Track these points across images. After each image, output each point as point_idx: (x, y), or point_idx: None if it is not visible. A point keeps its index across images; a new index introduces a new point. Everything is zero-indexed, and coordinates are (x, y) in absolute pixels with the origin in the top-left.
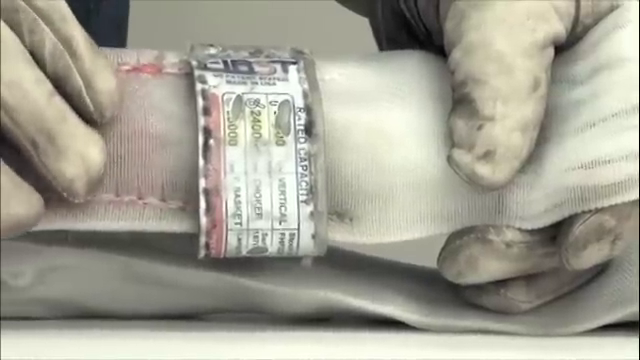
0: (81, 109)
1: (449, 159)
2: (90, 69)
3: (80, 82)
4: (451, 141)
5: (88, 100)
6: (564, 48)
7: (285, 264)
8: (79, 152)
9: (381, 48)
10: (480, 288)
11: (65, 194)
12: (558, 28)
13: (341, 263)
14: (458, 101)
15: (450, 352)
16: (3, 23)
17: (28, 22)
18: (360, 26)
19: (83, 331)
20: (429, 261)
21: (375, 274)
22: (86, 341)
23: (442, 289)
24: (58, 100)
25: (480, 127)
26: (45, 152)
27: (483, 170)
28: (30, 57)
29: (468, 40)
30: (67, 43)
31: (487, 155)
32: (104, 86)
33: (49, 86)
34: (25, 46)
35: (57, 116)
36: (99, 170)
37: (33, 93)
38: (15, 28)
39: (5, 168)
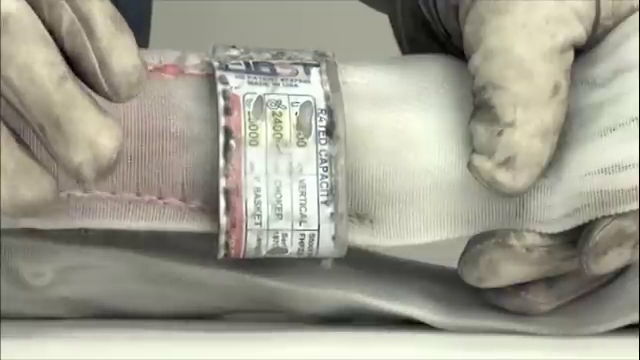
0: (97, 89)
1: (469, 165)
2: (106, 48)
3: (94, 61)
4: (472, 146)
5: (103, 80)
6: (584, 49)
7: (305, 264)
8: (87, 138)
9: (401, 48)
10: (500, 290)
11: (75, 180)
12: (578, 31)
13: (360, 263)
14: (478, 106)
15: (470, 352)
16: (22, 1)
17: None
18: (382, 27)
19: (100, 330)
20: (448, 262)
21: (395, 274)
22: (103, 341)
23: (462, 289)
24: (69, 84)
25: (500, 133)
26: (53, 138)
27: (503, 177)
28: (47, 35)
29: (487, 45)
30: (85, 20)
31: (507, 162)
32: (120, 66)
33: (61, 69)
34: (43, 22)
35: (65, 101)
36: (110, 157)
37: (42, 77)
38: (34, 3)
39: (16, 151)
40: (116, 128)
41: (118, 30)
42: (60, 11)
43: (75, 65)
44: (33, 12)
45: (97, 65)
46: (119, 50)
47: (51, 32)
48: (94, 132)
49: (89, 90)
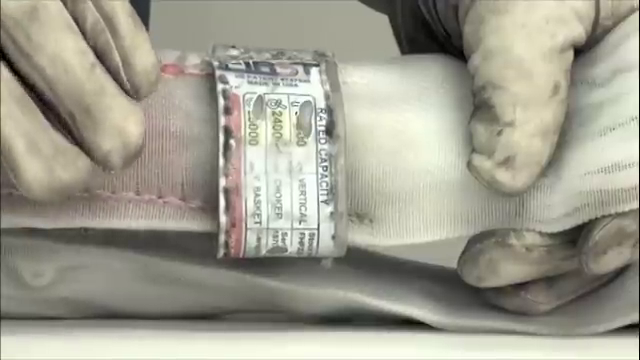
0: (118, 86)
1: (469, 165)
2: (130, 47)
3: (118, 60)
4: (471, 146)
5: (125, 79)
6: (584, 49)
7: (305, 264)
8: (116, 125)
9: (401, 48)
10: (500, 290)
11: (101, 167)
12: (578, 31)
13: (360, 263)
14: (478, 106)
15: (470, 352)
16: None
17: None
18: (382, 27)
19: (100, 330)
20: (448, 262)
21: (394, 274)
22: (104, 341)
23: (461, 289)
24: (99, 72)
25: (500, 133)
26: (83, 124)
27: (503, 176)
28: (74, 25)
29: (487, 45)
30: (108, 19)
31: (507, 161)
32: (141, 65)
33: (91, 57)
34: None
35: (96, 89)
36: (137, 143)
37: (74, 66)
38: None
39: (51, 132)
40: (141, 114)
41: (138, 28)
42: (84, 8)
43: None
44: (60, 2)
45: (120, 63)
46: (141, 49)
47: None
48: (122, 119)
49: None
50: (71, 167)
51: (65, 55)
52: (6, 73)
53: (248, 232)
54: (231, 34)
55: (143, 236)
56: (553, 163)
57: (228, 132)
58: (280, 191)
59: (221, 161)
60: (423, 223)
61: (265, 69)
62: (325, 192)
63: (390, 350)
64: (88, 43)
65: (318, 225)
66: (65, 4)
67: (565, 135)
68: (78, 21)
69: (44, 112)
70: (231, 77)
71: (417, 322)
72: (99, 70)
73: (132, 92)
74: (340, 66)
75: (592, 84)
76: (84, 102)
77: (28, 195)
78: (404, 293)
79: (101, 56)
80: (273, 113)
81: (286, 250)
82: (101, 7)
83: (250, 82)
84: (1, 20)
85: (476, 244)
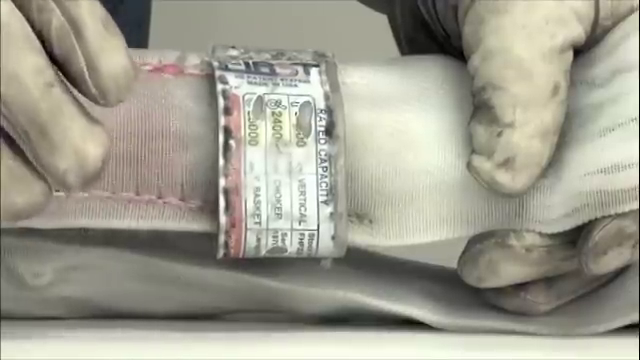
0: (86, 93)
1: (469, 166)
2: (95, 51)
3: (82, 64)
4: (471, 147)
5: (90, 83)
6: (583, 49)
7: (305, 264)
8: (73, 146)
9: (400, 48)
10: (500, 290)
11: (59, 187)
12: (577, 31)
13: (360, 263)
14: (478, 107)
15: (470, 352)
16: (9, 4)
17: (37, 0)
18: (382, 27)
19: (100, 330)
20: (448, 262)
21: (394, 274)
22: (104, 341)
23: (461, 289)
24: (56, 91)
25: (500, 134)
26: (38, 144)
27: (503, 178)
28: (36, 41)
29: (487, 46)
30: (73, 23)
31: (507, 162)
32: (109, 69)
33: (48, 76)
34: (33, 25)
35: (52, 109)
36: (95, 164)
37: (29, 85)
38: (24, 5)
39: (7, 159)
40: (102, 135)
41: (108, 32)
42: (50, 15)
43: (64, 69)
44: (22, 16)
45: (85, 68)
46: (108, 52)
47: (40, 35)
48: (80, 139)
49: (78, 95)
50: (26, 192)
51: (21, 74)
52: None
53: (248, 232)
54: (231, 34)
55: (143, 236)
56: (553, 164)
57: (228, 132)
58: (280, 191)
59: (221, 161)
60: (423, 224)
61: (265, 69)
62: (325, 192)
63: (390, 350)
64: (54, 51)
65: (318, 225)
66: (30, 11)
67: (565, 136)
68: (43, 27)
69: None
70: (231, 77)
71: (417, 322)
72: (57, 90)
73: (99, 98)
74: (340, 66)
75: (592, 84)
76: (38, 121)
77: None
78: (404, 293)
79: (66, 61)
80: (273, 113)
81: (286, 250)
82: (67, 11)
83: (250, 82)
84: None
85: (476, 245)
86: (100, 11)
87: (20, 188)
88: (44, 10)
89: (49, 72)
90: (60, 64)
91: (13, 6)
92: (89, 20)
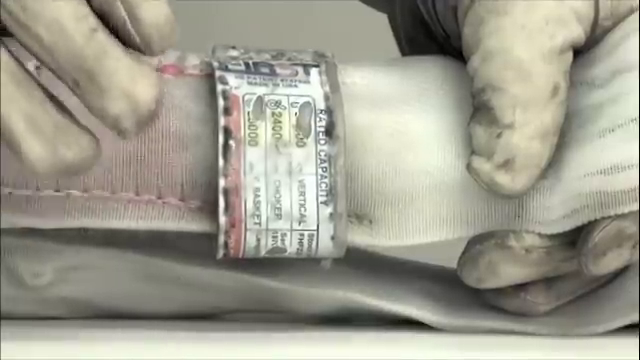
0: (130, 43)
1: (468, 167)
2: (135, 0)
3: (124, 14)
4: (471, 147)
5: (133, 32)
6: (583, 50)
7: (304, 264)
8: (123, 88)
9: (400, 48)
10: (499, 291)
11: (115, 132)
12: (577, 32)
13: (360, 263)
14: (477, 108)
15: (470, 352)
16: None
17: None
18: (382, 27)
19: (100, 330)
20: (448, 262)
21: (394, 274)
22: (104, 341)
23: (461, 290)
24: (100, 35)
25: (499, 135)
26: (88, 91)
27: (502, 179)
28: None
29: (486, 46)
30: None
31: (506, 164)
32: (151, 18)
33: (91, 21)
34: None
35: (98, 52)
36: (149, 106)
37: (71, 31)
38: None
39: (51, 110)
40: (152, 75)
41: None
42: None
43: (104, 20)
44: None
45: (127, 17)
46: (149, 1)
47: None
48: (130, 82)
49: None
50: (74, 146)
51: (62, 21)
52: (5, 55)
53: (247, 233)
54: (231, 34)
55: (143, 236)
56: (553, 165)
57: (228, 133)
58: (279, 192)
59: (221, 162)
60: (422, 224)
61: (265, 70)
62: (324, 193)
63: (390, 350)
64: (93, 4)
65: (317, 226)
66: None
67: (564, 136)
68: None
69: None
70: (231, 78)
71: (417, 322)
72: (101, 34)
73: (143, 47)
74: (340, 67)
75: (591, 85)
76: (85, 66)
77: (34, 176)
78: (404, 293)
79: (106, 14)
80: (273, 114)
81: (285, 251)
82: None
83: (250, 83)
84: None
85: (476, 245)
86: None
87: (68, 141)
88: None
89: (91, 18)
90: (100, 16)
91: None
92: None
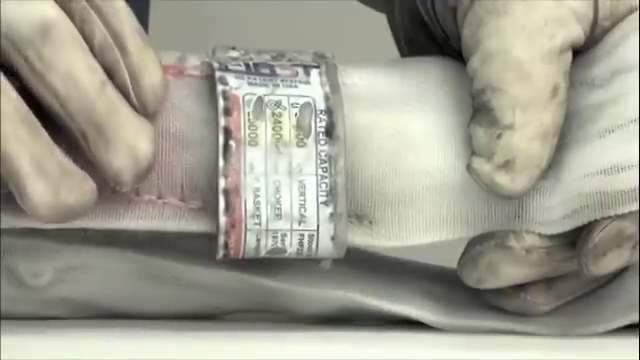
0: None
1: (468, 167)
2: (138, 65)
3: (127, 78)
4: (471, 148)
5: (133, 96)
6: (582, 50)
7: (304, 264)
8: (128, 143)
9: (400, 48)
10: (500, 291)
11: (113, 184)
12: (576, 32)
13: (360, 263)
14: (477, 109)
15: (470, 352)
16: (57, 7)
17: (80, 12)
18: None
19: (100, 330)
20: (448, 262)
21: (394, 274)
22: (104, 341)
23: (461, 290)
24: (110, 90)
25: (499, 136)
26: (94, 143)
27: (502, 179)
28: (84, 43)
29: (486, 47)
30: (116, 37)
31: (507, 164)
32: (149, 82)
33: (102, 75)
34: None
35: (107, 107)
36: (148, 161)
37: (86, 84)
38: (68, 16)
39: (57, 153)
40: (151, 131)
41: (146, 45)
42: (92, 26)
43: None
44: (70, 20)
45: (129, 81)
46: (149, 67)
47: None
48: (134, 137)
49: None
50: (76, 190)
51: (76, 73)
52: (13, 94)
53: (247, 233)
54: (231, 35)
55: (143, 236)
56: (552, 165)
57: (228, 133)
58: (280, 192)
59: (221, 162)
60: (423, 225)
61: (265, 70)
62: (325, 193)
63: (390, 350)
64: (96, 58)
65: (317, 226)
66: (74, 22)
67: (564, 137)
68: (86, 39)
69: (53, 135)
70: (231, 78)
71: (417, 322)
72: (110, 88)
73: (140, 109)
74: (340, 68)
75: (591, 85)
76: (95, 120)
77: (34, 217)
78: (404, 293)
79: (110, 74)
80: (273, 114)
81: (285, 251)
82: (109, 24)
83: (250, 83)
84: (14, 40)
85: (476, 246)
86: (135, 22)
87: (71, 185)
88: (87, 22)
89: (101, 72)
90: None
91: (60, 9)
92: (130, 34)
